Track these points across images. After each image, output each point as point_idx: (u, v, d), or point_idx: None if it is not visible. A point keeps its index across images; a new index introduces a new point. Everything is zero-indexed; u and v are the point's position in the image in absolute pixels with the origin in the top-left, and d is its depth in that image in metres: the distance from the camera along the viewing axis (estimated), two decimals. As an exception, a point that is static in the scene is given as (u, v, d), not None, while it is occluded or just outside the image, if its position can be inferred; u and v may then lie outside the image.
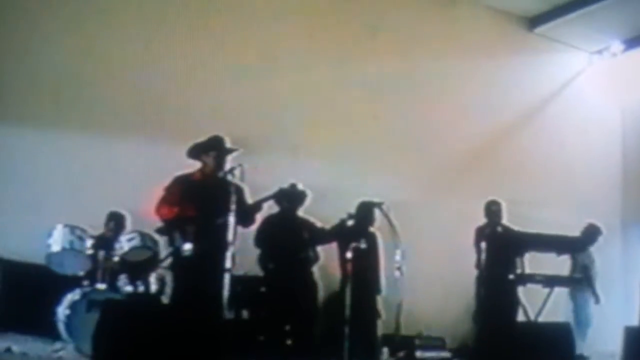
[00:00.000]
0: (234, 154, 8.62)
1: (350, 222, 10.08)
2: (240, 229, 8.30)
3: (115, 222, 9.66)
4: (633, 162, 14.97)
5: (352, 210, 10.17)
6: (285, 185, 9.06)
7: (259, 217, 9.10)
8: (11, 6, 10.16)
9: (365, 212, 10.57)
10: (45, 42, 10.27)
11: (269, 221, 9.53)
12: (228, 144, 8.63)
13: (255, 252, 9.75)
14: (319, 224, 10.28)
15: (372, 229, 10.68)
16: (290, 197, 9.71)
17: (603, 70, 15.27)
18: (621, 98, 15.44)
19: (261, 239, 9.70)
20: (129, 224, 9.64)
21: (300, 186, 9.60)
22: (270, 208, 9.48)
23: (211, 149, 8.58)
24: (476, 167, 13.13)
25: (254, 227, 9.28)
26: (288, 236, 9.84)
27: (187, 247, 8.05)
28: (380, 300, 10.78)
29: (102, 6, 10.63)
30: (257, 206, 8.74)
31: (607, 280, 13.49)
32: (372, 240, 10.68)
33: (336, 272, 10.29)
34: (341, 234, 10.26)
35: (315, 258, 10.18)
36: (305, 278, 10.01)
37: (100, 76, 10.50)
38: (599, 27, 14.27)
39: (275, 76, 11.58)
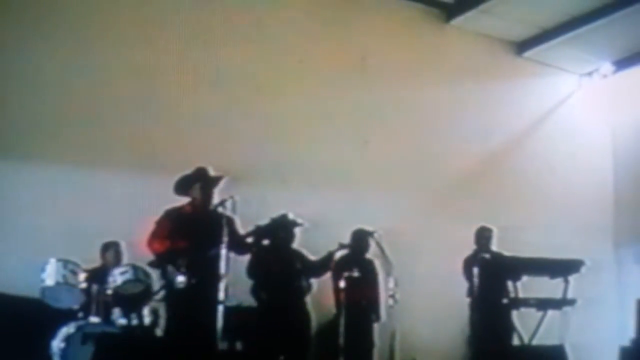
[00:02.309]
0: (221, 183, 8.69)
1: (339, 253, 10.16)
2: (233, 260, 8.35)
3: (115, 250, 9.69)
4: (624, 183, 15.00)
5: (344, 239, 10.26)
6: (276, 215, 9.17)
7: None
8: (9, 45, 10.24)
9: (359, 240, 10.63)
10: (34, 76, 10.33)
11: (261, 252, 9.54)
12: (212, 173, 8.70)
13: (248, 283, 9.76)
14: (311, 258, 10.30)
15: (369, 257, 10.74)
16: (284, 228, 9.76)
17: (593, 92, 15.30)
18: (612, 119, 15.46)
19: (254, 269, 9.71)
20: (125, 255, 9.65)
21: (291, 215, 9.67)
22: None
23: (196, 181, 8.67)
24: (468, 192, 13.11)
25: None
26: (281, 266, 9.83)
27: (180, 279, 8.10)
28: (375, 328, 10.82)
29: (93, 44, 10.68)
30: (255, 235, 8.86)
31: (602, 301, 13.59)
32: (369, 268, 10.75)
33: (330, 302, 10.34)
34: (336, 263, 10.34)
35: (308, 288, 10.18)
36: (299, 308, 9.99)
37: (91, 109, 10.53)
38: (588, 49, 14.32)
39: (264, 106, 11.61)
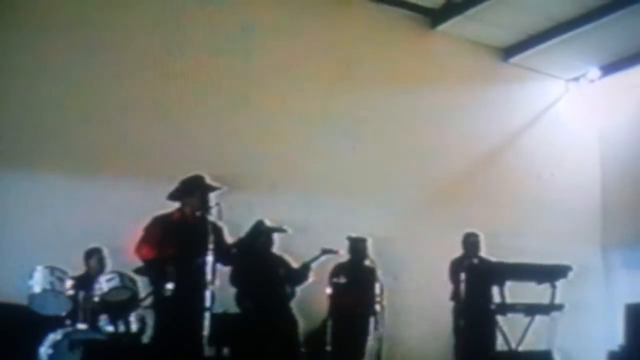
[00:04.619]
0: (217, 192, 8.66)
1: (321, 259, 10.18)
2: (219, 267, 8.38)
3: (98, 257, 9.68)
4: (611, 187, 15.04)
5: (332, 245, 10.27)
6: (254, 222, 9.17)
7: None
8: (4, 54, 10.23)
9: (355, 247, 10.67)
10: (26, 83, 10.34)
11: (242, 260, 9.51)
12: (209, 182, 8.65)
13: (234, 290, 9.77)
14: (293, 264, 10.31)
15: (368, 264, 10.73)
16: (263, 234, 9.73)
17: (580, 97, 15.35)
18: (599, 124, 15.51)
19: (236, 277, 9.70)
20: (109, 262, 9.66)
21: (268, 221, 9.64)
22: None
23: (195, 190, 8.58)
24: (455, 198, 13.15)
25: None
26: (263, 273, 9.84)
27: (168, 286, 8.09)
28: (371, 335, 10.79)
29: (83, 50, 10.68)
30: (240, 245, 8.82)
31: (590, 306, 13.62)
32: (366, 274, 10.69)
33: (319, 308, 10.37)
34: (332, 270, 10.37)
35: (292, 293, 10.17)
36: (284, 314, 9.99)
37: (78, 116, 10.54)
38: (575, 54, 14.37)
39: (251, 112, 11.64)
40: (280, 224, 9.74)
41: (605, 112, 15.39)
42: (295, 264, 10.28)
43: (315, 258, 10.15)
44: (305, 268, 10.13)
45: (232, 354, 9.36)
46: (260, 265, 9.83)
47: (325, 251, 10.19)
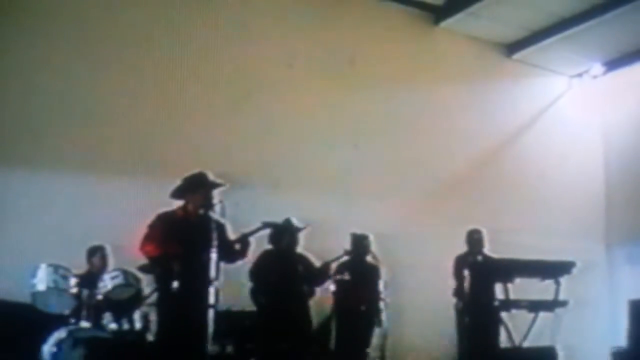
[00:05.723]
0: (220, 189, 8.64)
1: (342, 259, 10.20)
2: (223, 265, 8.36)
3: (101, 255, 9.68)
4: (615, 184, 15.05)
5: (336, 242, 10.28)
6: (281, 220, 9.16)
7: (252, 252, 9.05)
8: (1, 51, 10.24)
9: (357, 244, 10.65)
10: (27, 82, 10.32)
11: (265, 255, 9.49)
12: (212, 178, 8.61)
13: (238, 287, 9.71)
14: (316, 264, 10.27)
15: (371, 261, 10.72)
16: (289, 233, 9.74)
17: (584, 94, 15.37)
18: (602, 120, 15.51)
19: (255, 273, 9.69)
20: (111, 260, 9.66)
21: (294, 220, 9.65)
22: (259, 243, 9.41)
23: (199, 187, 8.55)
24: (459, 195, 13.15)
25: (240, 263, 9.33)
26: (282, 271, 9.79)
27: (172, 284, 8.08)
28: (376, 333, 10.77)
29: (86, 47, 10.68)
30: (243, 240, 8.75)
31: (594, 302, 13.61)
32: (369, 272, 10.69)
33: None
34: (336, 267, 10.36)
35: (310, 292, 10.15)
36: (298, 312, 9.93)
37: (81, 114, 10.54)
38: (578, 50, 14.37)
39: (254, 109, 11.66)
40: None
41: (609, 108, 15.39)
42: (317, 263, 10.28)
43: (334, 260, 10.16)
44: (325, 267, 10.12)
45: (235, 351, 9.37)
46: (280, 263, 9.82)
47: (347, 252, 10.23)
